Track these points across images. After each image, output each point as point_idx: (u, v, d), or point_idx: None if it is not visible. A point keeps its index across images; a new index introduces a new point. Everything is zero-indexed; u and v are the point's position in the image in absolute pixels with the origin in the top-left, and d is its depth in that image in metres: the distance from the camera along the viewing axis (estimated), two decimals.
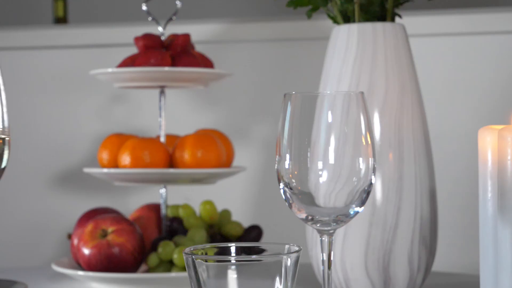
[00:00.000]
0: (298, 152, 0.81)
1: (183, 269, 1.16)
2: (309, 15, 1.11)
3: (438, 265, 1.23)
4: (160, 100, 1.29)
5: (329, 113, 0.81)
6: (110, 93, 1.65)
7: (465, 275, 1.26)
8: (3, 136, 0.81)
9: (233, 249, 0.77)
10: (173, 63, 1.26)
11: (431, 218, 1.06)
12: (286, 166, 0.81)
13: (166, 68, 1.23)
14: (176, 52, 1.27)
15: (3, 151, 0.81)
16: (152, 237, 1.25)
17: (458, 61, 1.54)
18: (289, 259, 0.71)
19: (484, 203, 0.85)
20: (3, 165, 0.81)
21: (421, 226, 1.04)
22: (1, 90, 0.81)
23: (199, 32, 1.55)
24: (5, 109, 0.81)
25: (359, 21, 1.07)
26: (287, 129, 0.82)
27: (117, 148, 1.27)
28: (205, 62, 1.30)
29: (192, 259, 0.71)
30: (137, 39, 1.29)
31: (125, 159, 1.24)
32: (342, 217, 0.82)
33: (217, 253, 0.77)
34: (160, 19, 1.34)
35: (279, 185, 0.82)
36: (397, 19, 1.11)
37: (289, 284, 0.72)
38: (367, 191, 0.82)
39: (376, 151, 0.84)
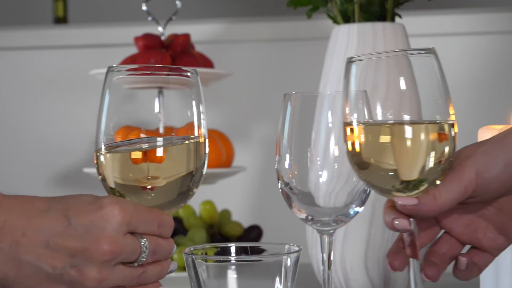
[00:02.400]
0: (298, 152, 0.81)
1: (183, 269, 1.16)
2: (309, 15, 1.10)
3: None
4: (159, 100, 1.29)
5: (329, 113, 0.81)
6: None
7: None
8: (201, 140, 0.75)
9: (233, 249, 0.77)
10: (173, 63, 1.26)
11: None
12: (286, 166, 0.81)
13: None
14: (176, 52, 1.27)
15: (204, 161, 0.75)
16: None
17: (458, 61, 1.54)
18: (289, 259, 0.71)
19: None
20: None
21: None
22: (201, 95, 0.76)
23: (199, 32, 1.55)
24: (203, 117, 0.76)
25: (359, 21, 1.07)
26: (287, 129, 0.82)
27: None
28: (205, 62, 1.30)
29: (192, 259, 0.71)
30: (137, 39, 1.29)
31: None
32: (342, 217, 0.82)
33: (217, 253, 0.77)
34: (160, 19, 1.34)
35: (279, 185, 0.82)
36: (397, 19, 1.11)
37: (289, 284, 0.71)
38: (367, 191, 0.82)
39: None
